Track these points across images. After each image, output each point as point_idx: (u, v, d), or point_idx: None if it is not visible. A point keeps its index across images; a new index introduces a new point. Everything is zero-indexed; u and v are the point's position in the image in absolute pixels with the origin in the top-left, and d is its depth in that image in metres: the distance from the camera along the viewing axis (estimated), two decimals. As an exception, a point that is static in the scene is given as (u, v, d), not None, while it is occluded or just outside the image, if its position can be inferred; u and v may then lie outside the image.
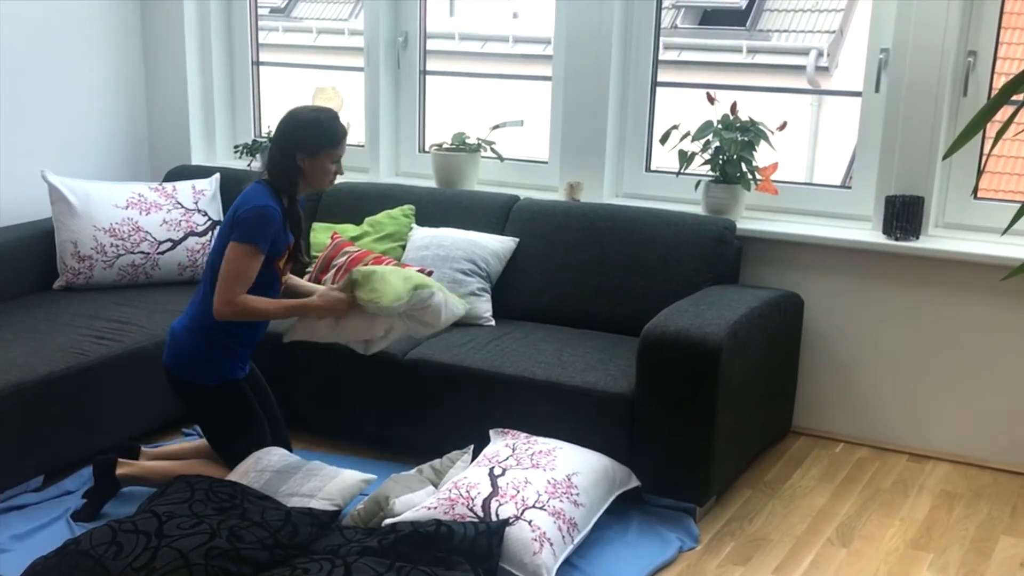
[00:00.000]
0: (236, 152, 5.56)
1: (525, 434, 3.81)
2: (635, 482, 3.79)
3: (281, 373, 4.12)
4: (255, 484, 3.61)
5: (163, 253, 4.81)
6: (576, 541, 3.44)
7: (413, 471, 3.78)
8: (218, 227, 3.85)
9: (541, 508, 3.38)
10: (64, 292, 4.71)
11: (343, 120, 3.78)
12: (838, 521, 3.88)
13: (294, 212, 3.74)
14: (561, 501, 3.44)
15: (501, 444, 3.74)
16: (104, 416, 4.05)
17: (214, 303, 3.57)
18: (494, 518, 3.31)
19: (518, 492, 3.42)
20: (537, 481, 3.48)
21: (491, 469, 3.55)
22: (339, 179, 3.81)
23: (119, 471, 3.81)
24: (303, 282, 3.93)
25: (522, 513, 3.34)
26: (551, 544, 3.30)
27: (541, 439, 3.76)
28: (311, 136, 3.66)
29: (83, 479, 3.94)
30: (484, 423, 4.00)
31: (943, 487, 4.18)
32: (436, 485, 3.65)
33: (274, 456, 3.73)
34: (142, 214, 4.82)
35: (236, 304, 3.56)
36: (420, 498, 3.53)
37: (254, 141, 5.49)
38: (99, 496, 3.78)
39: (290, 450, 3.92)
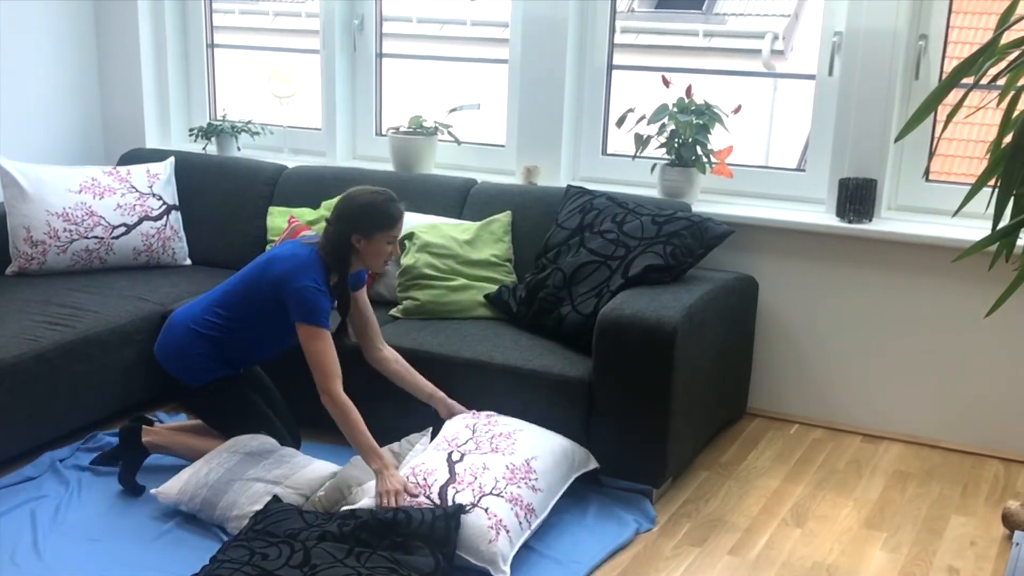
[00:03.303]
0: (191, 135, 5.50)
1: (488, 412, 3.80)
2: (593, 463, 3.80)
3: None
4: (225, 465, 3.62)
5: (117, 238, 4.76)
6: (533, 527, 3.44)
7: None
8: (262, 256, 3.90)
9: (498, 495, 3.37)
10: (17, 278, 4.64)
11: (400, 203, 3.75)
12: (792, 502, 3.91)
13: (343, 291, 3.78)
14: (519, 487, 3.44)
15: (462, 424, 3.73)
16: (58, 403, 4.01)
17: (318, 385, 3.57)
18: (451, 504, 3.31)
19: (475, 479, 3.41)
20: (495, 467, 3.47)
21: (449, 454, 3.54)
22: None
23: (145, 439, 3.84)
24: (429, 387, 3.90)
25: (479, 500, 3.33)
26: (507, 532, 3.30)
27: (503, 419, 3.75)
28: (367, 218, 3.67)
29: (42, 466, 3.92)
30: (441, 407, 4.01)
31: (896, 467, 4.22)
32: (396, 468, 3.64)
33: (254, 441, 3.73)
34: (96, 198, 4.76)
35: (334, 400, 3.55)
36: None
37: (209, 124, 5.44)
38: (131, 465, 3.81)
39: (298, 441, 3.94)
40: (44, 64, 5.33)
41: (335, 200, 3.82)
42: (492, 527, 3.28)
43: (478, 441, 3.62)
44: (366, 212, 3.68)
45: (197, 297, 3.95)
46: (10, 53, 5.14)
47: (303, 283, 3.61)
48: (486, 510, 3.31)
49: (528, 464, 3.53)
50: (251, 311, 3.74)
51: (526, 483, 3.47)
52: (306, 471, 3.64)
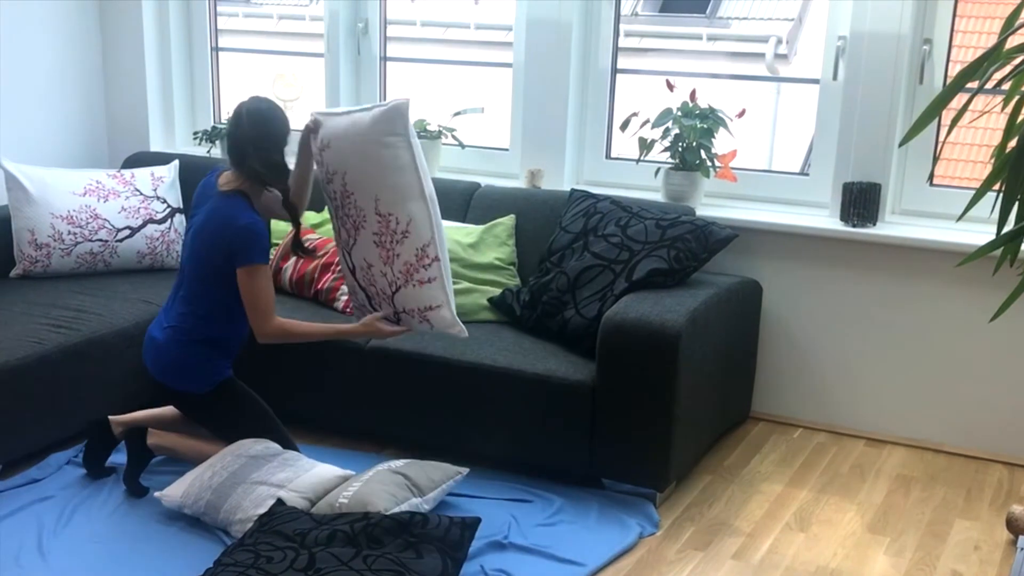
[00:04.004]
0: (195, 138, 5.51)
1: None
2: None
3: (252, 363, 4.09)
4: (229, 469, 3.61)
5: (121, 241, 4.76)
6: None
7: (399, 475, 3.65)
8: (187, 229, 3.82)
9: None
10: (21, 281, 4.65)
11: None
12: (796, 506, 3.91)
13: (291, 206, 3.76)
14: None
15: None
16: (63, 405, 4.01)
17: (253, 326, 3.65)
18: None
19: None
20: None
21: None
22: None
23: (151, 440, 3.86)
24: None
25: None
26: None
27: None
28: (285, 124, 3.75)
29: (47, 468, 3.93)
30: (445, 411, 4.02)
31: (899, 471, 4.21)
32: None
33: (257, 445, 3.72)
34: (100, 201, 4.77)
35: (276, 332, 3.66)
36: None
37: (213, 127, 5.45)
38: (136, 467, 3.82)
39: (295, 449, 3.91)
40: (49, 67, 5.34)
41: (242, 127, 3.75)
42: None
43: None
44: (285, 120, 3.75)
45: (161, 307, 3.91)
46: (15, 56, 5.14)
47: (241, 223, 3.62)
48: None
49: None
50: (211, 285, 3.70)
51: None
52: (310, 475, 3.64)
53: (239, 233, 3.60)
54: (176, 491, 3.62)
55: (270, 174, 3.69)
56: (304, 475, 3.63)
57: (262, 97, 3.78)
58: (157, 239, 4.84)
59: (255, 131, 3.67)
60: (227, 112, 5.61)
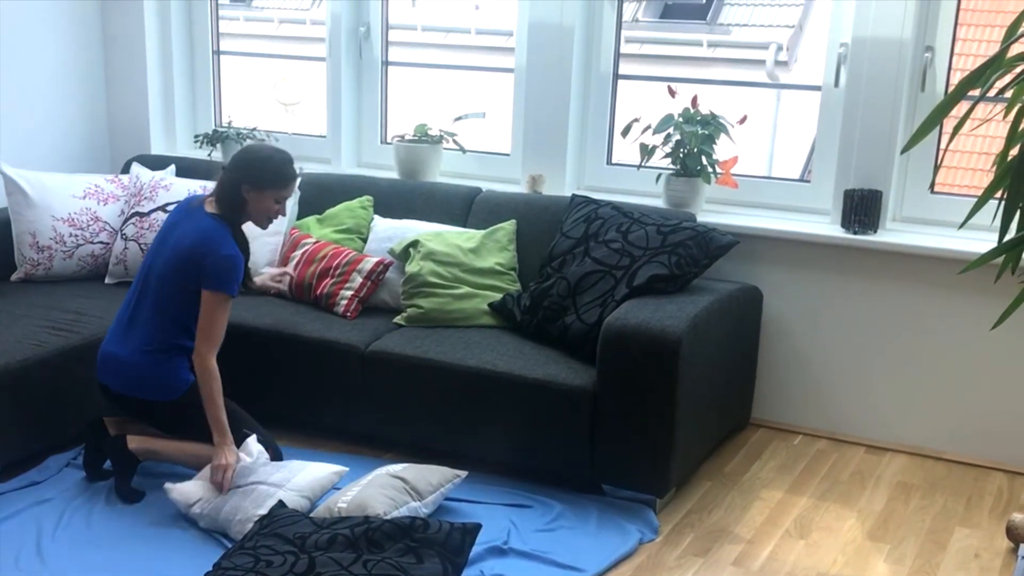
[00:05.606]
0: (196, 142, 5.50)
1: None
2: None
3: (247, 367, 4.09)
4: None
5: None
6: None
7: (397, 479, 3.65)
8: (160, 241, 3.86)
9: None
10: (21, 284, 4.64)
11: (297, 168, 3.90)
12: (796, 513, 3.90)
13: (242, 238, 3.86)
14: None
15: None
16: (63, 407, 4.01)
17: (198, 347, 3.69)
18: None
19: None
20: None
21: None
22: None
23: (131, 446, 3.82)
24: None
25: None
26: None
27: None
28: (262, 172, 3.78)
29: (47, 471, 3.93)
30: (445, 416, 4.02)
31: (900, 479, 4.21)
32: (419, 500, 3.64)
33: (243, 452, 3.71)
34: (100, 204, 4.77)
35: (210, 367, 3.69)
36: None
37: (214, 131, 5.44)
38: (124, 474, 3.81)
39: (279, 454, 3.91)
40: (50, 70, 5.34)
41: (235, 154, 3.92)
42: None
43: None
44: (263, 166, 3.79)
45: (115, 324, 3.88)
46: (16, 59, 5.15)
47: (225, 252, 3.70)
48: None
49: None
50: (180, 299, 3.74)
51: None
52: (305, 473, 3.66)
53: (219, 261, 3.69)
54: (187, 490, 3.64)
55: (222, 197, 3.79)
56: (299, 474, 3.65)
57: (277, 148, 3.91)
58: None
59: (233, 157, 3.85)
60: (228, 115, 5.62)
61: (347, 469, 3.78)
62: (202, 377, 3.67)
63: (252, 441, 3.73)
